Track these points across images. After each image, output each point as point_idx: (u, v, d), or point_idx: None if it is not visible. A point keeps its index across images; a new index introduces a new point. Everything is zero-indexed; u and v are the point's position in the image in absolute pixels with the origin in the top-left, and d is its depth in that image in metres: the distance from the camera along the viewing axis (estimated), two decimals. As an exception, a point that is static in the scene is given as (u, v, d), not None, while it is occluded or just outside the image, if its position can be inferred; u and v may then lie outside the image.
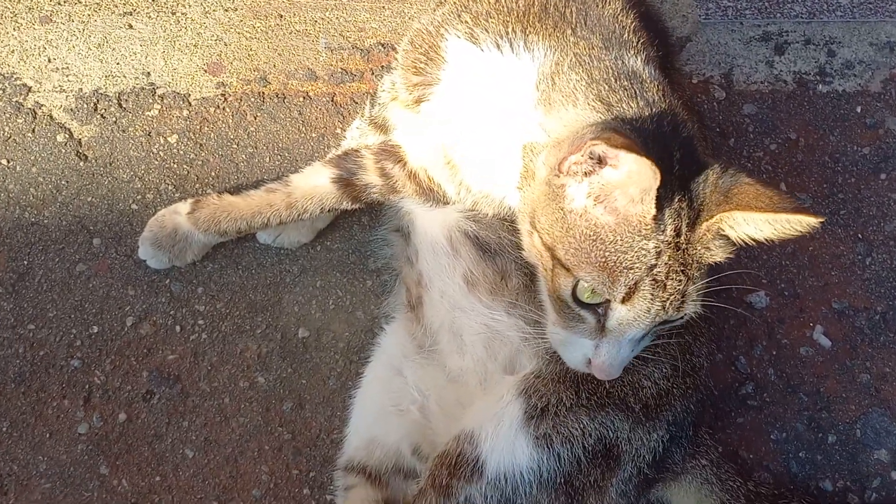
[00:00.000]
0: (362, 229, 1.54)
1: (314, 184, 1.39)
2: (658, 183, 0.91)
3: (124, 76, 1.61)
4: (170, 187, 1.55)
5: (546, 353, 1.21)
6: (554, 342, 1.12)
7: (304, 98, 1.63)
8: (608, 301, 1.02)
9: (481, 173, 1.21)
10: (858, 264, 1.62)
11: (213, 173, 1.57)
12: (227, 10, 1.69)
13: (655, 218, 0.97)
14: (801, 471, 1.50)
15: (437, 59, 1.16)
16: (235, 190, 1.48)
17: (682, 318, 1.06)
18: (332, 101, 1.64)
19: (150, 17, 1.66)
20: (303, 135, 1.61)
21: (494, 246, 1.30)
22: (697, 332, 1.28)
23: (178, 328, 1.48)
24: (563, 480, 1.16)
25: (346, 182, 1.37)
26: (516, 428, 1.18)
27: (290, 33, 1.68)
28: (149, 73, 1.63)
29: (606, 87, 1.05)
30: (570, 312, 1.06)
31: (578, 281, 1.01)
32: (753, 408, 1.53)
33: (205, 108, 1.60)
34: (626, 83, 1.05)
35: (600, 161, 0.96)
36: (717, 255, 1.04)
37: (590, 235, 0.99)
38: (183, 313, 1.48)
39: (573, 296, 1.03)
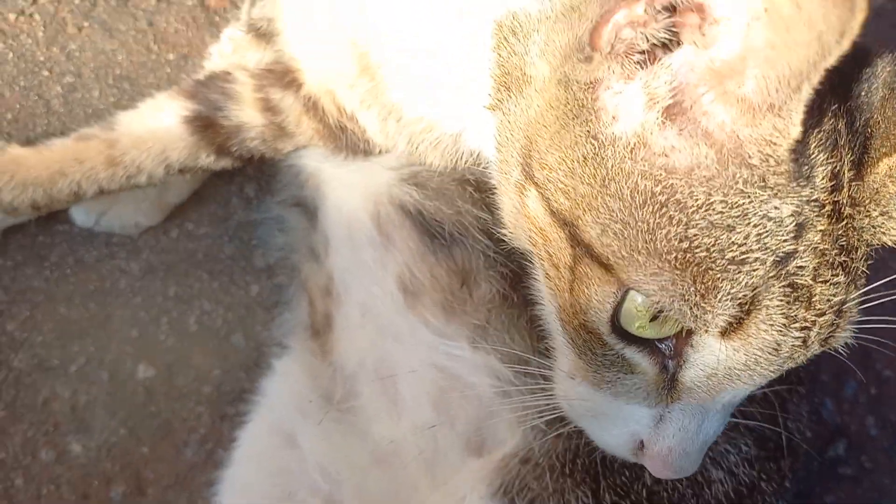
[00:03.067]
0: (245, 204, 1.16)
1: (153, 126, 0.99)
2: (850, 41, 0.46)
3: None
4: (-63, 137, 1.11)
5: (542, 417, 0.81)
6: (571, 410, 0.72)
7: (157, 0, 1.19)
8: (687, 333, 0.61)
9: (419, 85, 0.79)
10: None
11: (9, 115, 1.13)
12: None
13: (795, 150, 0.54)
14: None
15: None
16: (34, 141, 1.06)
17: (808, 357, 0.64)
18: (202, 5, 1.19)
19: None
20: (154, 57, 1.17)
21: (450, 228, 0.91)
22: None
23: (-61, 364, 1.05)
24: None
25: (207, 122, 0.98)
26: (485, 558, 0.81)
27: None
28: (-86, -41, 1.18)
29: None
30: (608, 354, 0.66)
31: (628, 293, 0.60)
32: (848, 479, 1.26)
33: (1, 14, 1.16)
34: None
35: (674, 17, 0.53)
36: None
37: (654, 194, 0.57)
38: (-51, 340, 1.06)
39: (613, 324, 0.62)
